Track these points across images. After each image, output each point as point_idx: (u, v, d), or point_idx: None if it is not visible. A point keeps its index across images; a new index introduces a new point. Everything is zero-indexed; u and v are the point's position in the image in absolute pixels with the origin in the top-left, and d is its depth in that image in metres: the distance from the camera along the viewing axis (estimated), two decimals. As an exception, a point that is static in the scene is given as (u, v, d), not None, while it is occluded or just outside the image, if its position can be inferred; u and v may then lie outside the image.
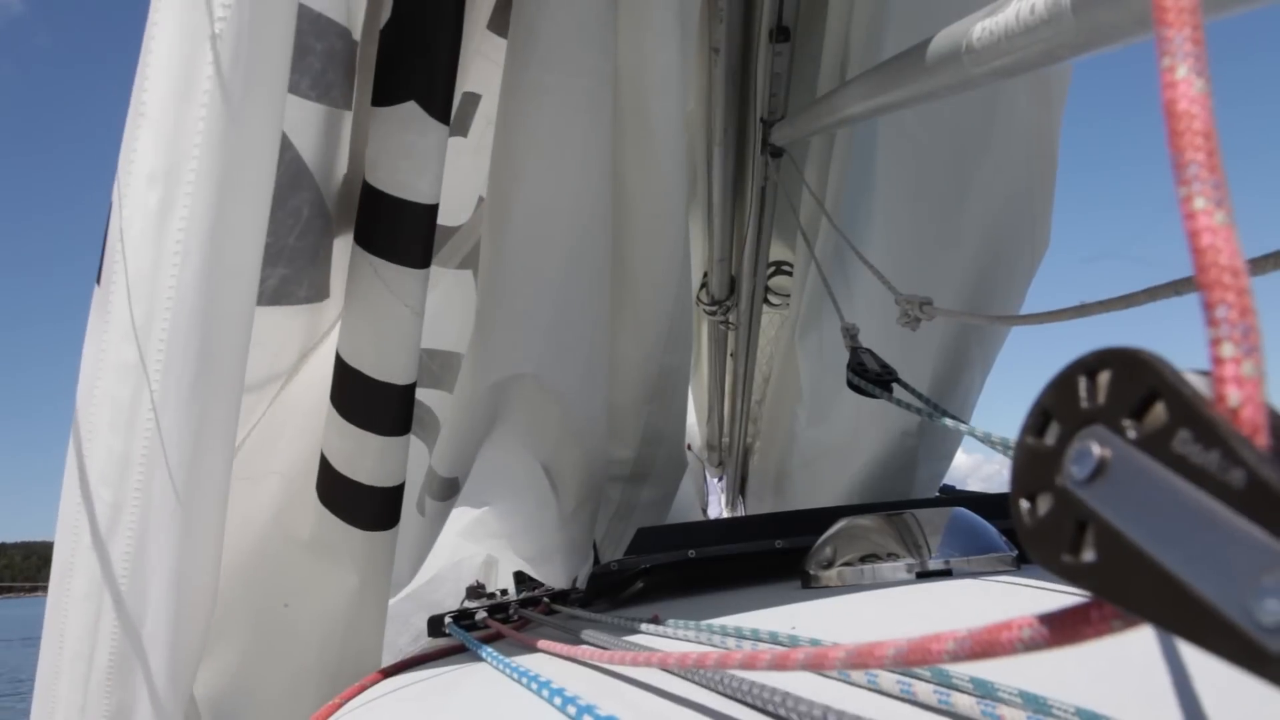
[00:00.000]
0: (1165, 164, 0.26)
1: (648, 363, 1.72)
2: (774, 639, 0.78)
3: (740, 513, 4.57)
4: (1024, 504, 0.27)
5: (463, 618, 1.53)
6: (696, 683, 0.70)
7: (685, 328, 1.80)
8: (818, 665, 0.40)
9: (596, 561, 1.79)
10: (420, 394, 1.35)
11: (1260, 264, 0.77)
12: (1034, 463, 0.27)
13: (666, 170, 1.55)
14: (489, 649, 1.10)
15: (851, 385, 1.40)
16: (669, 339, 1.72)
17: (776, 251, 2.58)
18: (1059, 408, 0.26)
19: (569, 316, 1.51)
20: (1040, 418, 0.27)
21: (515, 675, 0.85)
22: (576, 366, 1.57)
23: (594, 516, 1.85)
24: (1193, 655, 0.55)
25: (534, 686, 0.76)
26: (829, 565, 1.11)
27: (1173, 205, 0.26)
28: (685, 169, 1.63)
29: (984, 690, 0.54)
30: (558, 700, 0.68)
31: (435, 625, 1.58)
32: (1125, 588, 0.24)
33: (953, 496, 2.01)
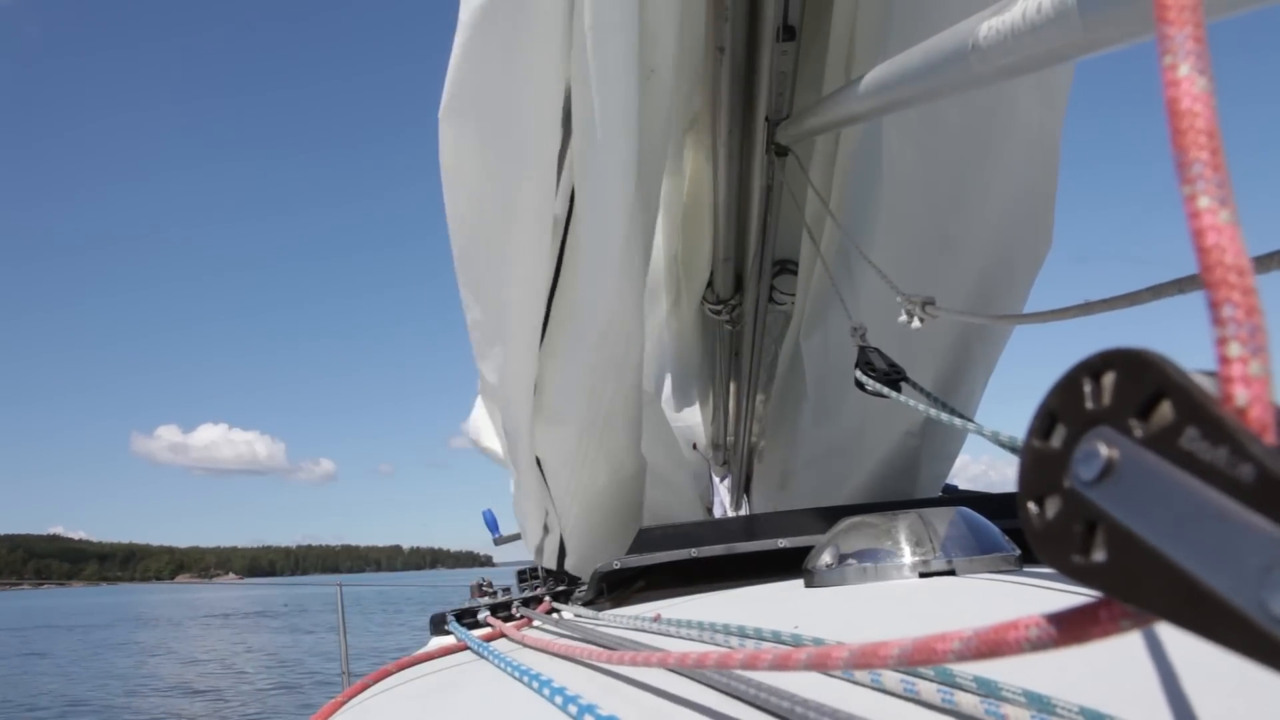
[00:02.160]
0: (1160, 158, 0.26)
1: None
2: (776, 638, 0.78)
3: (745, 512, 4.57)
4: (1032, 506, 0.27)
5: (465, 616, 1.54)
6: (698, 681, 0.70)
7: (626, 355, 1.74)
8: (821, 665, 0.40)
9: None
10: None
11: (1265, 262, 0.76)
12: (1041, 465, 0.27)
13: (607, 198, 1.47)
14: (490, 648, 1.10)
15: (859, 384, 1.40)
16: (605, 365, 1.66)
17: (782, 250, 2.58)
18: (1064, 409, 0.26)
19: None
20: (1046, 420, 0.27)
21: (516, 674, 0.85)
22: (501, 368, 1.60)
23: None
24: (1194, 655, 0.55)
25: (535, 685, 0.77)
26: (832, 565, 1.11)
27: (1167, 200, 0.26)
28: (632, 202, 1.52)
29: (988, 689, 0.54)
30: (558, 699, 0.69)
31: (437, 624, 1.59)
32: (1137, 586, 0.23)
33: (956, 496, 2.01)
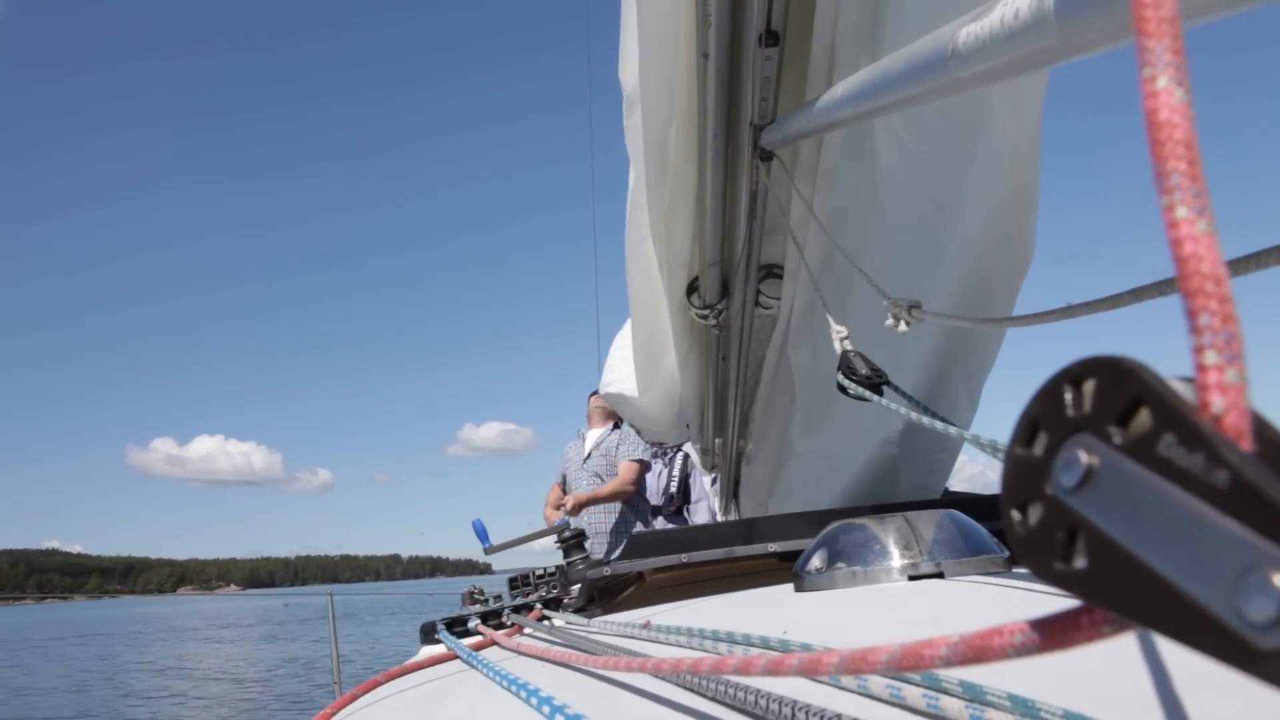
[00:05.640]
0: (1141, 162, 0.26)
1: None
2: (765, 644, 0.78)
3: (733, 516, 4.57)
4: (1015, 514, 0.27)
5: (456, 624, 1.53)
6: (688, 688, 0.70)
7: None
8: (811, 670, 0.40)
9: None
10: None
11: (1240, 265, 0.77)
12: (1023, 472, 0.27)
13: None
14: (480, 657, 1.10)
15: (841, 388, 1.40)
16: None
17: (768, 255, 2.58)
18: (1046, 417, 0.26)
19: None
20: (1028, 428, 0.27)
21: (505, 683, 0.85)
22: None
23: None
24: (1178, 658, 0.55)
25: (523, 695, 0.76)
26: (821, 569, 1.11)
27: (1147, 203, 0.26)
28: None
29: (973, 694, 0.54)
30: (546, 709, 0.69)
31: (428, 633, 1.58)
32: (1117, 592, 0.24)
33: (945, 499, 2.01)
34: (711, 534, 1.55)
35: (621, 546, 1.60)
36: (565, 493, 4.32)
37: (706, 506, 5.75)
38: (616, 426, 4.56)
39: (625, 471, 4.23)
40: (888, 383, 1.38)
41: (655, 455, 4.98)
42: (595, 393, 4.67)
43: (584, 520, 4.20)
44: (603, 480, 4.24)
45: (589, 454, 4.36)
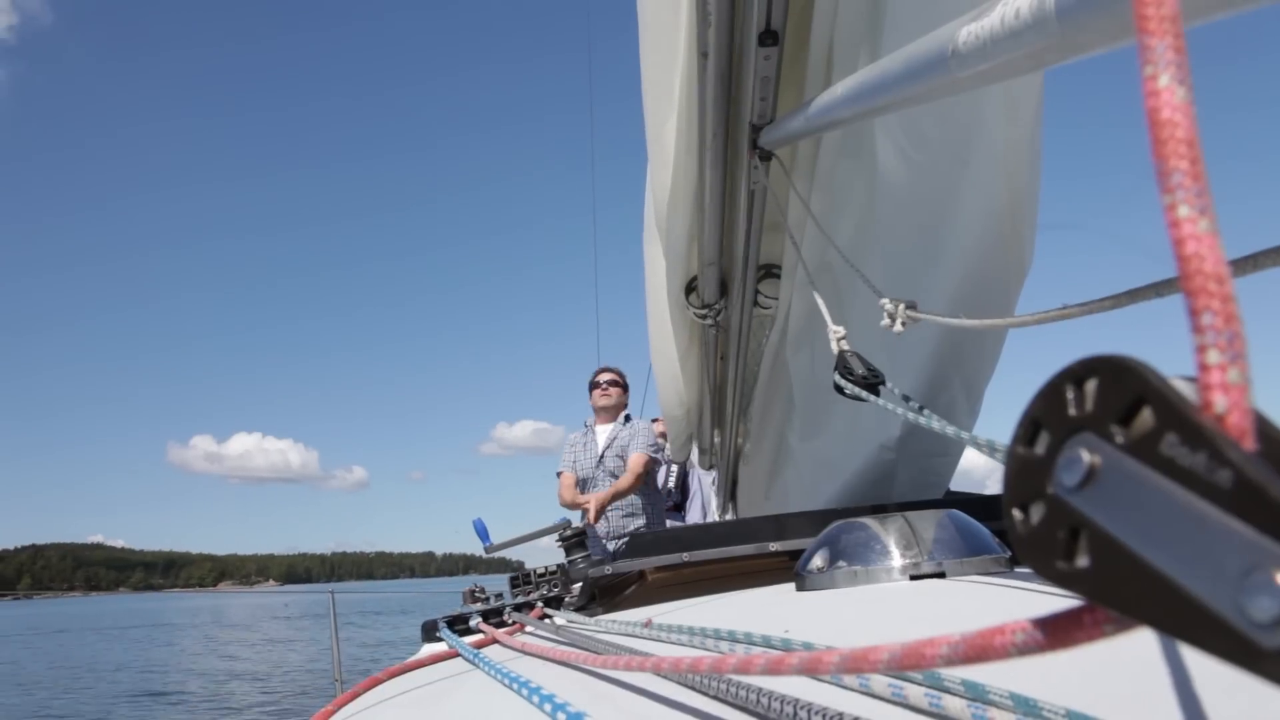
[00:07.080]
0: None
1: None
2: (767, 643, 0.78)
3: (729, 516, 4.58)
4: (1017, 513, 0.27)
5: (457, 622, 1.53)
6: (690, 687, 0.70)
7: None
8: (812, 669, 0.40)
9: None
10: None
11: (1241, 265, 0.77)
12: (1025, 472, 0.27)
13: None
14: (481, 655, 1.10)
15: (838, 388, 1.40)
16: None
17: (767, 254, 2.58)
18: (1048, 417, 0.26)
19: None
20: (1030, 427, 0.27)
21: (507, 682, 0.85)
22: None
23: None
24: (1181, 657, 0.55)
25: (524, 693, 0.77)
26: (823, 568, 1.11)
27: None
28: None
29: (975, 693, 0.54)
30: (548, 707, 0.69)
31: (429, 630, 1.58)
32: (1119, 591, 0.24)
33: (946, 499, 2.01)
34: (713, 533, 1.55)
35: (622, 545, 1.60)
36: (581, 490, 4.33)
37: (700, 504, 5.76)
38: (628, 419, 4.56)
39: (635, 464, 4.23)
40: (884, 383, 1.38)
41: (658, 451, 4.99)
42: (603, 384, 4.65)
43: (602, 525, 4.20)
44: (616, 480, 4.25)
45: (602, 454, 4.36)
